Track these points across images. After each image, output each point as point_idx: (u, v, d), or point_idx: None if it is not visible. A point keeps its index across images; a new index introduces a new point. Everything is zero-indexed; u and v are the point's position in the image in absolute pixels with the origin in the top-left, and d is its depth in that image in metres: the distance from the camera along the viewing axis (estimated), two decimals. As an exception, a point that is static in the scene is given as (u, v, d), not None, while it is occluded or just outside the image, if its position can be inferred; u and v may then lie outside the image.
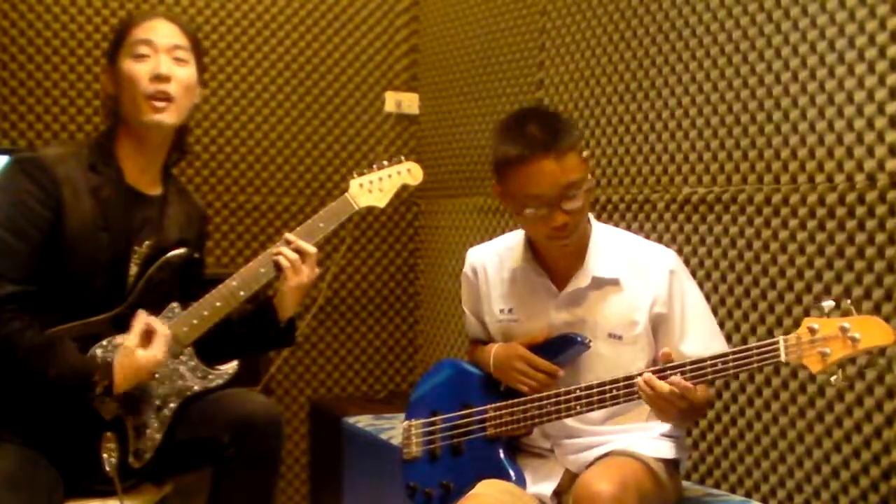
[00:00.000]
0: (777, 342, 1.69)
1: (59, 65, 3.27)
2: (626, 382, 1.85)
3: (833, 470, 2.12)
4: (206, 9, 3.45)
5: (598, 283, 2.00)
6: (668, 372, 1.77)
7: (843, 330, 1.64)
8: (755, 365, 1.72)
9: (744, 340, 2.32)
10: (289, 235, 2.07)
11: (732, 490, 2.36)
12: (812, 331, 1.66)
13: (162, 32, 2.01)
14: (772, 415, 2.26)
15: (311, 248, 2.07)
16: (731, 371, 1.74)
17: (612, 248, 2.03)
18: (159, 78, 1.97)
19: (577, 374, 1.99)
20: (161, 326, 1.93)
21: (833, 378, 1.66)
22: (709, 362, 1.75)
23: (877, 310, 2.03)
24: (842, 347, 1.64)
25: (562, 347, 1.99)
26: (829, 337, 1.65)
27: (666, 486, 1.93)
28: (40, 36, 3.26)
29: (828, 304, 1.68)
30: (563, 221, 1.91)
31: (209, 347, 2.06)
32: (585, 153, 1.96)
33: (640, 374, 1.80)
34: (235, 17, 3.50)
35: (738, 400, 2.35)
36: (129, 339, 1.90)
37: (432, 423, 2.16)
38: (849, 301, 1.68)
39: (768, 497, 2.26)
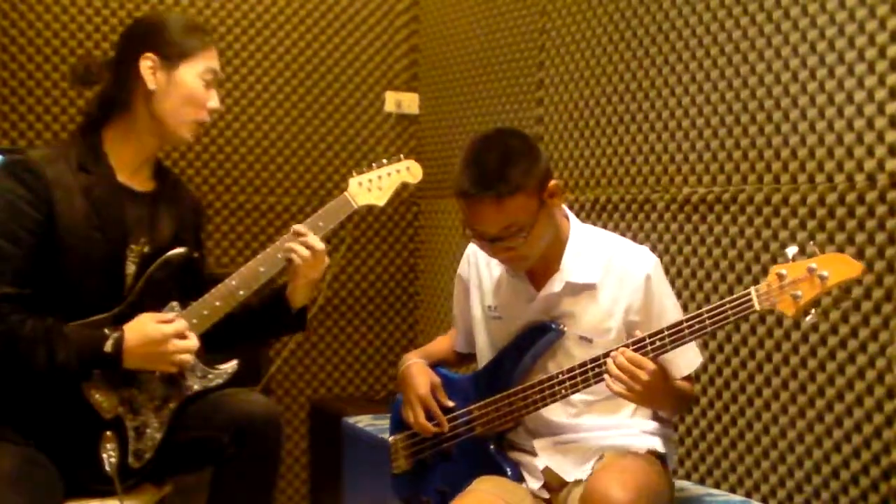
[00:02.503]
0: (749, 292, 1.70)
1: (59, 65, 3.27)
2: (607, 358, 1.83)
3: (833, 470, 2.12)
4: (206, 9, 3.45)
5: (573, 289, 1.98)
6: (647, 344, 1.77)
7: (811, 270, 1.65)
8: (731, 318, 1.72)
9: (743, 340, 2.32)
10: (298, 227, 2.07)
11: (732, 490, 2.36)
12: (781, 277, 1.68)
13: (218, 64, 2.07)
14: (772, 415, 2.26)
15: (319, 245, 2.06)
16: (708, 327, 1.74)
17: (589, 252, 2.00)
18: (211, 112, 2.05)
19: (547, 374, 1.97)
20: (192, 335, 1.96)
21: (808, 318, 1.68)
22: (685, 323, 1.76)
23: (876, 310, 2.03)
24: (811, 287, 1.65)
25: (536, 335, 1.99)
26: (799, 279, 1.66)
27: (663, 482, 1.93)
28: (40, 36, 3.26)
29: (791, 249, 1.69)
30: (504, 256, 1.95)
31: (221, 334, 2.05)
32: (553, 183, 1.91)
33: (617, 349, 1.80)
34: (235, 18, 3.50)
35: (737, 400, 2.35)
36: (148, 314, 1.93)
37: (417, 434, 2.15)
38: (812, 243, 1.69)
39: (768, 497, 2.26)
